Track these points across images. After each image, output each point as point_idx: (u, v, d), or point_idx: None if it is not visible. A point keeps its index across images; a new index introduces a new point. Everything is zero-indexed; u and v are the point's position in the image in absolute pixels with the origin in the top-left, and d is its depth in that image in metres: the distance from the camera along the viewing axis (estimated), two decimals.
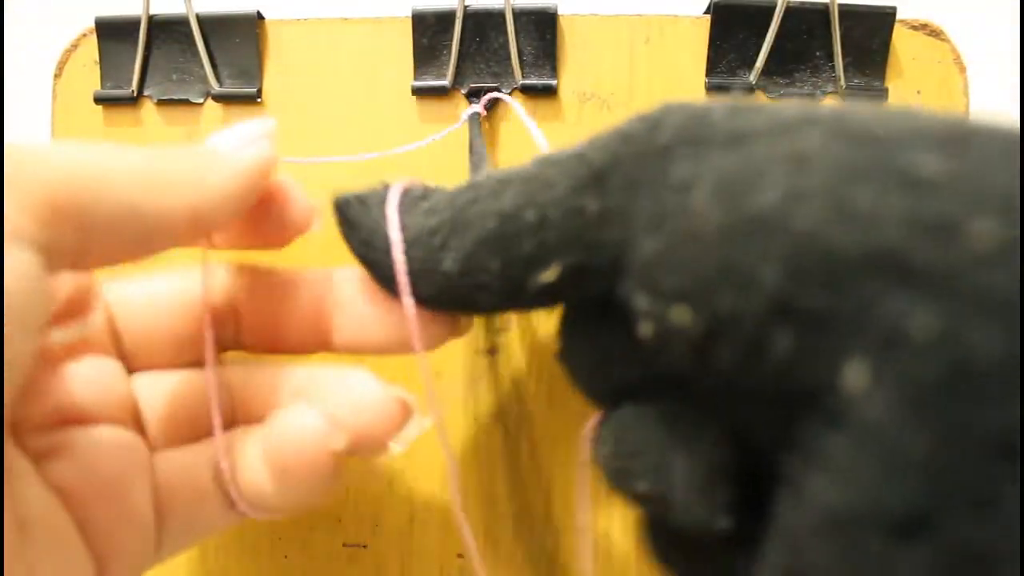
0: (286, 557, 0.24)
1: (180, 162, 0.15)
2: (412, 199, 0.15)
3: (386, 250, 0.15)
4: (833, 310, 0.10)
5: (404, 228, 0.15)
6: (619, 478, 0.14)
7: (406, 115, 0.23)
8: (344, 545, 0.23)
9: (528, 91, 0.23)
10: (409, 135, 0.23)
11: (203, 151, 0.16)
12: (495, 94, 0.23)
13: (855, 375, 0.10)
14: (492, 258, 0.13)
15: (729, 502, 0.13)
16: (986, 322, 0.09)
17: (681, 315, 0.11)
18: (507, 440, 0.23)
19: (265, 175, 0.17)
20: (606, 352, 0.15)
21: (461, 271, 0.14)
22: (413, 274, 0.15)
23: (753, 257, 0.10)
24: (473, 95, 0.23)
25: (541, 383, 0.23)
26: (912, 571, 0.09)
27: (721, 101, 0.12)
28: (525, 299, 0.14)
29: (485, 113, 0.23)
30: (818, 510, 0.10)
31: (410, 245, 0.15)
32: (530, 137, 0.23)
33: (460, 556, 0.23)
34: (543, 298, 0.14)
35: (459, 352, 0.23)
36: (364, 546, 0.23)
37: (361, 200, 0.16)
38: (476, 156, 0.21)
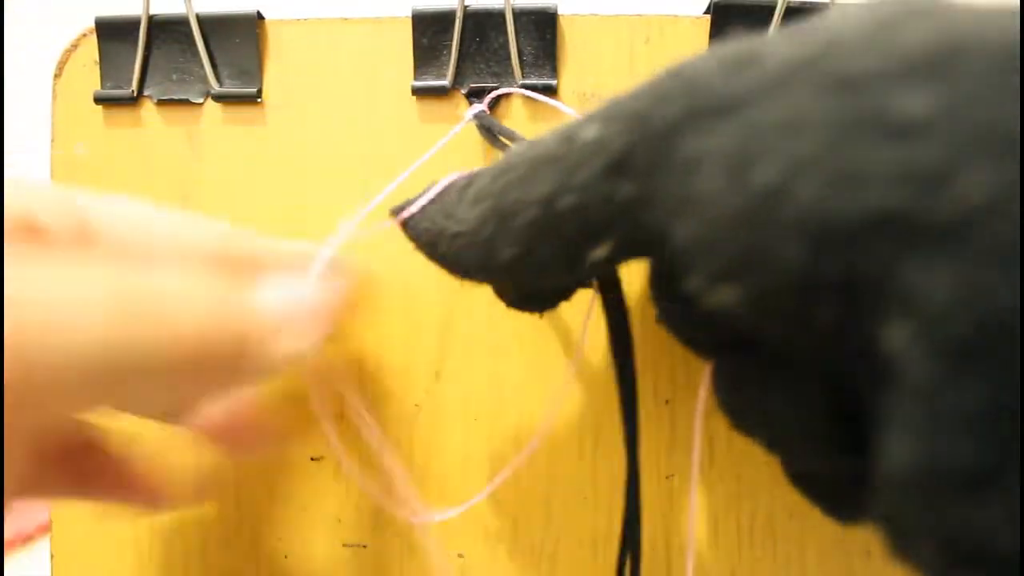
0: (286, 557, 0.24)
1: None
2: (459, 188, 0.16)
3: (450, 241, 0.15)
4: (856, 278, 0.10)
5: (457, 220, 0.15)
6: (740, 426, 0.14)
7: (406, 115, 0.23)
8: (344, 545, 0.23)
9: (528, 91, 0.23)
10: (409, 135, 0.23)
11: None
12: (504, 89, 0.23)
13: (893, 338, 0.10)
14: (545, 243, 0.13)
15: (839, 444, 0.13)
16: (1002, 271, 0.09)
17: (726, 294, 0.11)
18: (507, 439, 0.23)
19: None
20: (693, 313, 0.15)
21: (519, 256, 0.14)
22: (480, 267, 0.15)
23: (772, 235, 0.10)
24: (473, 95, 0.23)
25: (541, 383, 0.23)
26: (988, 523, 0.09)
27: (710, 56, 0.12)
28: (587, 273, 0.14)
29: (488, 112, 0.23)
30: (893, 466, 0.10)
31: (468, 237, 0.15)
32: (530, 137, 0.23)
33: (460, 556, 0.23)
34: (607, 267, 0.14)
35: (459, 352, 0.23)
36: (364, 546, 0.23)
37: (414, 206, 0.17)
38: (502, 136, 0.21)
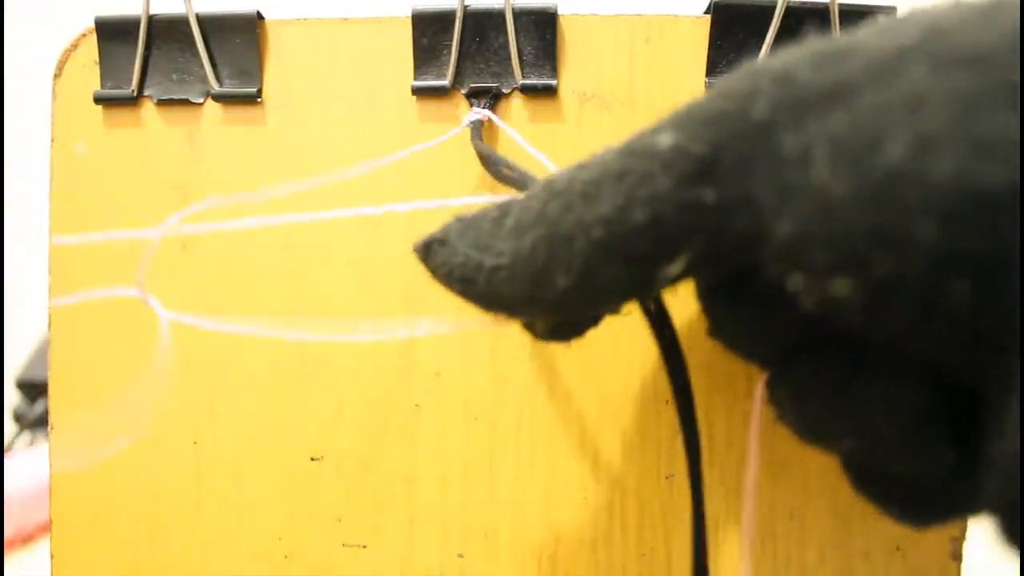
0: (286, 557, 0.24)
1: None
2: (492, 220, 0.15)
3: (489, 275, 0.14)
4: (998, 249, 0.09)
5: (496, 253, 0.14)
6: (815, 434, 0.14)
7: (406, 115, 0.23)
8: (344, 545, 0.23)
9: (528, 91, 0.23)
10: (409, 135, 0.23)
11: None
12: (486, 112, 0.23)
13: None
14: (609, 266, 0.13)
15: (940, 439, 0.12)
16: None
17: (840, 288, 0.11)
18: (507, 439, 0.23)
19: None
20: (761, 321, 0.14)
21: (578, 284, 0.13)
22: (526, 300, 0.14)
23: (899, 217, 0.10)
24: (473, 95, 0.23)
25: (541, 382, 0.23)
26: None
27: (794, 53, 0.12)
28: (652, 291, 0.14)
29: (486, 120, 0.23)
30: None
31: (511, 270, 0.14)
32: (532, 141, 0.23)
33: (460, 556, 0.23)
34: (674, 284, 0.13)
35: (459, 352, 0.23)
36: (364, 546, 0.23)
37: (441, 241, 0.15)
38: (502, 166, 0.21)
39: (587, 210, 0.13)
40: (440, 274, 0.15)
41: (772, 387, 0.15)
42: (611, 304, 0.14)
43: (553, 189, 0.14)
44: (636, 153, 0.13)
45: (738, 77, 0.12)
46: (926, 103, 0.10)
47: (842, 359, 0.13)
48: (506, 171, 0.20)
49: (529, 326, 0.17)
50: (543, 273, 0.13)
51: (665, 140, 0.12)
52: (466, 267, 0.15)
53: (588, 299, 0.13)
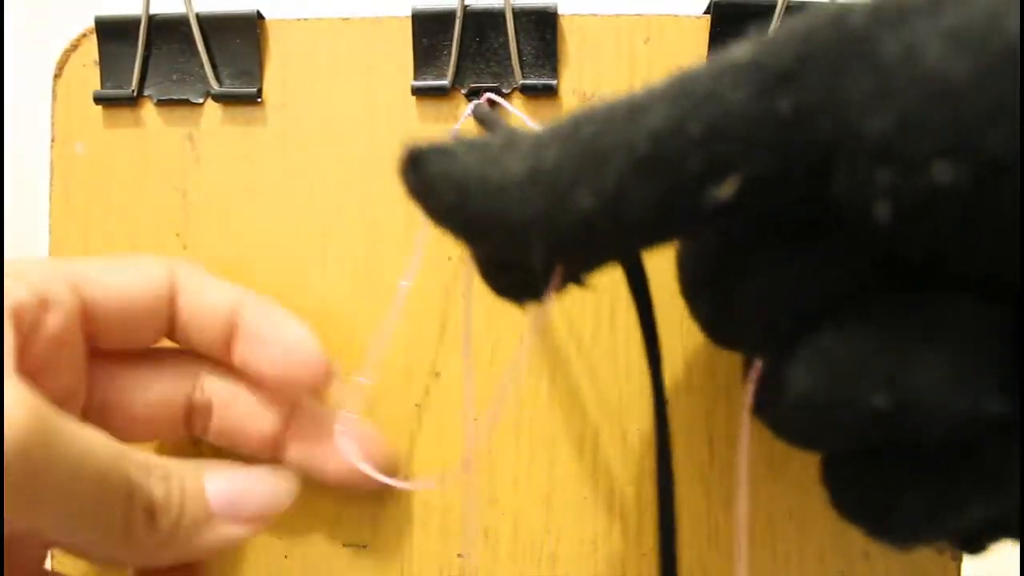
0: (286, 557, 0.24)
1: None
2: (501, 144, 0.14)
3: (496, 191, 0.13)
4: None
5: (505, 169, 0.13)
6: (841, 404, 0.13)
7: (406, 115, 0.23)
8: (344, 545, 0.23)
9: (528, 91, 0.23)
10: (409, 135, 0.23)
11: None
12: (491, 96, 0.23)
13: None
14: (647, 184, 0.12)
15: (997, 384, 0.12)
16: None
17: (943, 173, 0.11)
18: (507, 439, 0.23)
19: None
20: (787, 275, 0.14)
21: (605, 206, 0.12)
22: (535, 222, 0.13)
23: (1015, 88, 0.10)
24: (473, 95, 0.23)
25: (541, 382, 0.23)
26: None
27: None
28: (680, 227, 0.13)
29: (490, 106, 0.23)
30: None
31: (525, 188, 0.13)
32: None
33: (460, 556, 0.23)
34: (704, 222, 0.13)
35: (459, 352, 0.23)
36: (364, 546, 0.23)
37: (442, 151, 0.14)
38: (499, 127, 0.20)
39: (632, 126, 0.12)
40: (430, 186, 0.14)
41: (767, 372, 0.15)
42: (629, 239, 0.13)
43: (587, 115, 0.13)
44: (700, 72, 0.12)
45: (820, 7, 0.12)
46: None
47: (881, 309, 0.13)
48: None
49: (488, 274, 0.16)
50: (566, 192, 0.12)
51: (743, 55, 0.12)
52: (466, 179, 0.13)
53: (611, 225, 0.12)
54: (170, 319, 0.20)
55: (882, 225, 0.11)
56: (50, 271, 0.18)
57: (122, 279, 0.19)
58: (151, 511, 0.16)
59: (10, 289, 0.16)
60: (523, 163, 0.13)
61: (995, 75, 0.10)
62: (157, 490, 0.16)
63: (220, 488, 0.18)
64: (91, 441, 0.15)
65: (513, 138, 0.14)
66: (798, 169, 0.12)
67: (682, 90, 0.12)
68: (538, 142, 0.13)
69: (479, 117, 0.22)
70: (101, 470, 0.15)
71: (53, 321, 0.17)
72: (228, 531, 0.18)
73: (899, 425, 0.12)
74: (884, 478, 0.14)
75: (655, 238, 0.13)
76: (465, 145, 0.14)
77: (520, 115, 0.22)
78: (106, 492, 0.15)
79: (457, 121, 0.23)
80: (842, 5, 0.12)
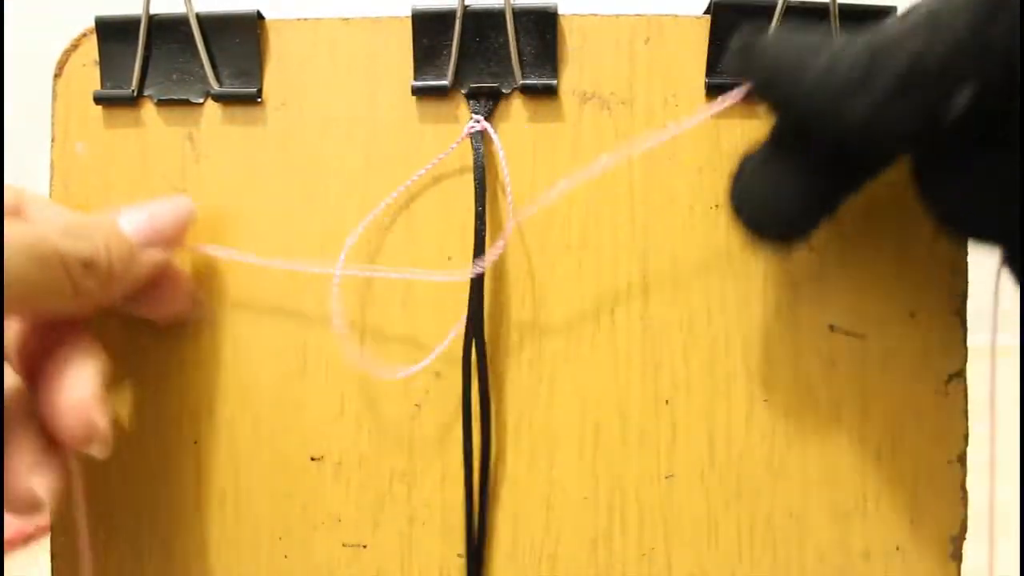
0: (286, 557, 0.24)
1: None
2: (816, 42, 0.17)
3: (820, 76, 0.17)
4: None
5: (807, 67, 0.17)
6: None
7: (406, 115, 0.23)
8: (344, 545, 0.23)
9: (528, 91, 0.23)
10: (409, 135, 0.23)
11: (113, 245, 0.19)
12: (485, 125, 0.23)
13: None
14: (909, 90, 0.16)
15: None
16: None
17: None
18: (507, 439, 0.23)
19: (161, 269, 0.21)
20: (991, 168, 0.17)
21: (883, 104, 0.16)
22: (826, 113, 0.17)
23: None
24: (473, 95, 0.23)
25: (542, 382, 0.23)
26: None
27: None
28: (934, 130, 0.16)
29: (488, 129, 0.23)
30: None
31: (823, 76, 0.17)
32: (532, 141, 0.23)
33: (460, 556, 0.23)
34: (952, 127, 0.16)
35: (458, 352, 0.23)
36: (364, 546, 0.23)
37: (773, 43, 0.18)
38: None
39: (901, 46, 0.16)
40: (765, 65, 0.18)
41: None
42: (899, 132, 0.16)
43: (875, 34, 0.17)
44: (940, 9, 0.16)
45: None
46: None
47: None
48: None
49: (760, 229, 0.19)
50: (853, 86, 0.16)
51: None
52: (797, 58, 0.17)
53: (885, 118, 0.16)
54: None
55: None
56: None
57: None
58: (87, 264, 0.19)
59: None
60: (829, 60, 0.17)
61: None
62: (83, 246, 0.18)
63: (134, 223, 0.21)
64: (19, 239, 0.17)
65: (816, 43, 0.18)
66: (1012, 79, 0.15)
67: (937, 14, 0.16)
68: (845, 46, 0.17)
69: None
70: (35, 256, 0.17)
71: None
72: (154, 255, 0.21)
73: None
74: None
75: (917, 135, 0.17)
76: (786, 34, 0.18)
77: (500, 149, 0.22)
78: (45, 267, 0.18)
79: (457, 120, 0.23)
80: None
